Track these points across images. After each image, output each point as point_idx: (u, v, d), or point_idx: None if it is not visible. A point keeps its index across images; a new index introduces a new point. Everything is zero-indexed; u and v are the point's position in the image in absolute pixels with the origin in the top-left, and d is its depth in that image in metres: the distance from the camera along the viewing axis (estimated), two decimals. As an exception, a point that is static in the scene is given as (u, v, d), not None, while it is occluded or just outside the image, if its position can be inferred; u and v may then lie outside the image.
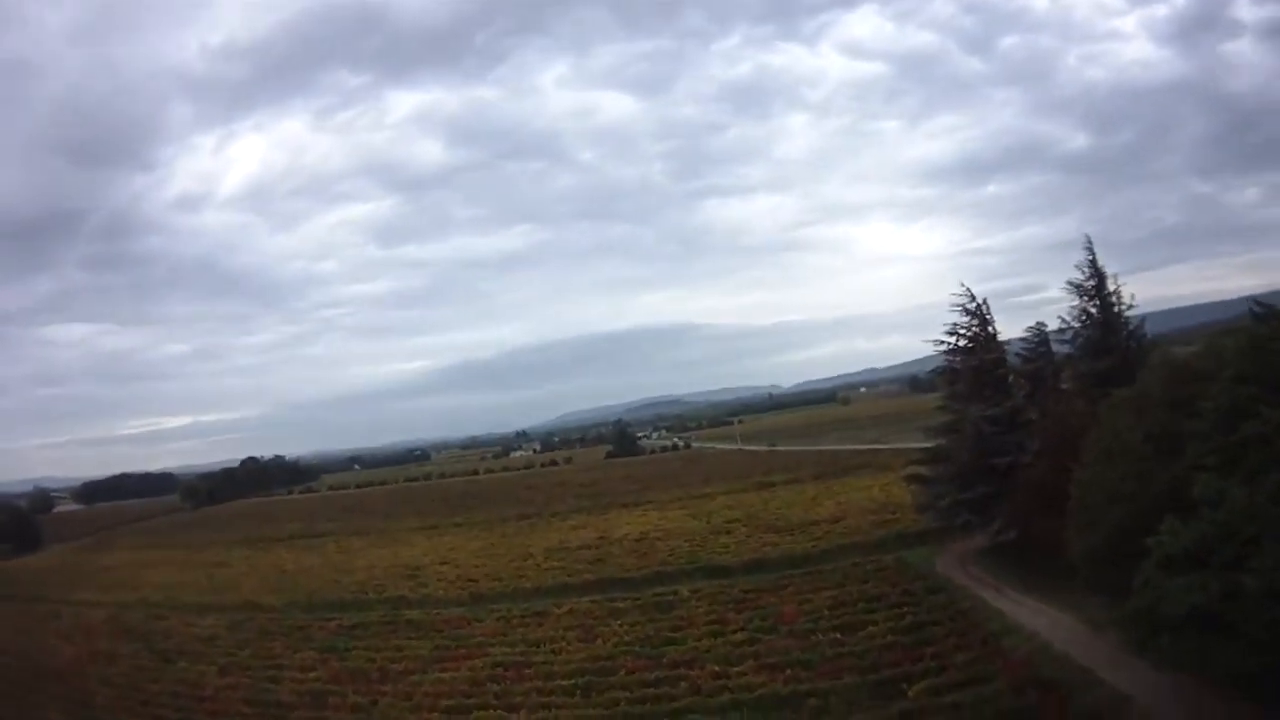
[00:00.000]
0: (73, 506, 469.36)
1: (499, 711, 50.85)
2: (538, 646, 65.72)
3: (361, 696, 58.66)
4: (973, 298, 75.77)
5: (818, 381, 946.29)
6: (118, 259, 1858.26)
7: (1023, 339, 79.89)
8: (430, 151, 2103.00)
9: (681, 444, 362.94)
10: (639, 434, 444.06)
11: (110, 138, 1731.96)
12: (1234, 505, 31.48)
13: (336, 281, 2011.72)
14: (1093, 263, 74.02)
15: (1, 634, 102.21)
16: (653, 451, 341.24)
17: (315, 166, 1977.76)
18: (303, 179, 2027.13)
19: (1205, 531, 32.13)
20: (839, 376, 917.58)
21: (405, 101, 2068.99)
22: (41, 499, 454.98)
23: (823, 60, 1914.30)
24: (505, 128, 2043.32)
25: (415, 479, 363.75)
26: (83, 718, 63.85)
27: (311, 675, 66.51)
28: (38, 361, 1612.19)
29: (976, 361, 75.23)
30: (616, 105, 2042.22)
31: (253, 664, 73.15)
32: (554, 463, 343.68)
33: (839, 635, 55.26)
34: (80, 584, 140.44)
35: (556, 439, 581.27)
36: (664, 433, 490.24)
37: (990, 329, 76.38)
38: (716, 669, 52.40)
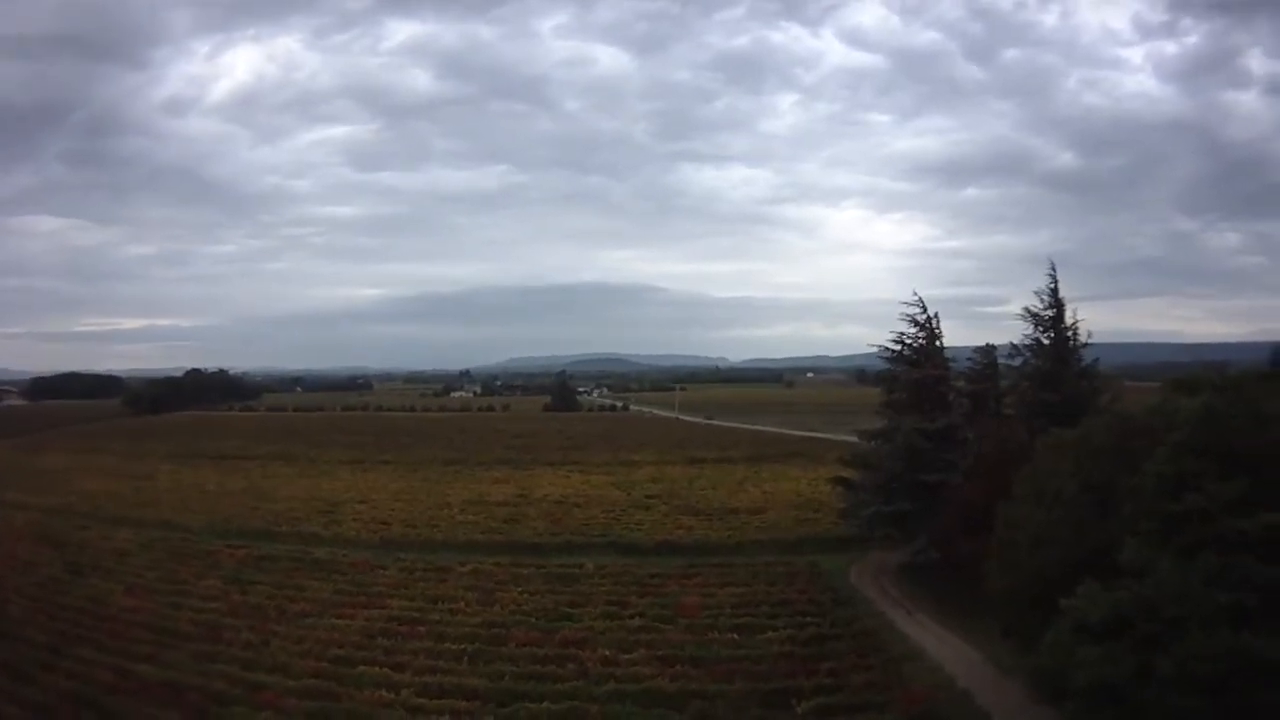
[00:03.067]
0: (20, 401, 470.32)
1: (385, 669, 50.17)
2: (435, 604, 65.54)
3: (254, 635, 57.99)
4: (924, 309, 74.68)
5: (767, 360, 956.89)
6: (99, 156, 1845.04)
7: (970, 357, 78.88)
8: (419, 81, 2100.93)
9: (620, 405, 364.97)
10: (580, 389, 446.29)
11: (107, 32, 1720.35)
12: (1162, 580, 30.08)
13: (309, 201, 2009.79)
14: (1054, 291, 73.15)
15: None
16: (591, 409, 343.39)
17: (304, 84, 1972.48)
18: (290, 95, 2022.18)
19: (1125, 602, 30.73)
20: (790, 359, 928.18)
21: (402, 29, 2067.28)
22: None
23: (822, 44, 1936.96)
24: (496, 67, 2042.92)
25: (353, 408, 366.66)
26: None
27: (212, 605, 66.29)
28: (4, 251, 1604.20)
29: (919, 375, 73.99)
30: (611, 60, 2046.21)
31: (159, 587, 72.91)
32: (491, 409, 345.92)
33: (736, 636, 54.59)
34: (13, 484, 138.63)
35: (499, 382, 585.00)
36: (605, 391, 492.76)
37: (937, 343, 75.25)
38: (607, 654, 51.85)
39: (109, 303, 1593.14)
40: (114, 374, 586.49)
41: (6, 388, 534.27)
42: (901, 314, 75.33)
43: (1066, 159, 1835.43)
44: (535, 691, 45.98)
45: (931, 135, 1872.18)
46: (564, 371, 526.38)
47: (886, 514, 71.08)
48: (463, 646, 53.96)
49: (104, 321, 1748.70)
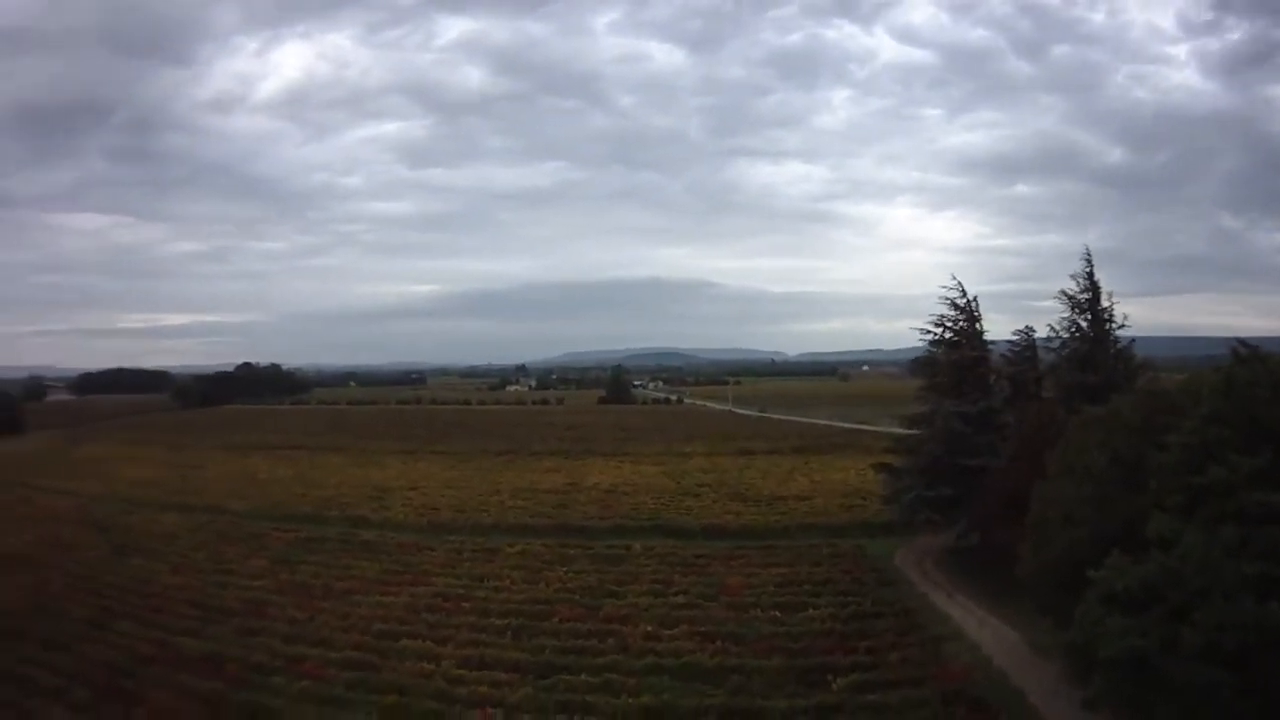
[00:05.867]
0: (66, 396, 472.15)
1: (428, 642, 50.84)
2: (481, 582, 66.31)
3: (300, 611, 59.26)
4: (963, 292, 74.67)
5: (823, 354, 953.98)
6: (142, 153, 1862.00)
7: (1011, 339, 78.83)
8: (471, 78, 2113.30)
9: (675, 399, 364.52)
10: (636, 383, 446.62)
11: (150, 29, 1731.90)
12: (1187, 551, 29.91)
13: (359, 197, 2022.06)
14: (1089, 275, 72.90)
15: None
16: (645, 402, 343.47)
17: (356, 80, 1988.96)
18: (341, 92, 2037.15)
19: (1153, 573, 30.59)
20: (845, 352, 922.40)
21: (454, 26, 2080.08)
22: (34, 387, 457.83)
23: (874, 40, 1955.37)
24: (549, 63, 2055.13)
25: (406, 402, 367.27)
26: (36, 603, 63.69)
27: (258, 583, 68.03)
28: (47, 248, 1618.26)
29: (958, 357, 74.17)
30: (665, 56, 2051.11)
31: (205, 566, 74.73)
32: (545, 402, 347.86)
33: (778, 614, 54.96)
34: (57, 472, 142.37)
35: (554, 377, 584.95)
36: (660, 385, 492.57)
37: (977, 325, 75.27)
38: (649, 630, 52.44)
39: (154, 299, 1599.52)
40: (161, 369, 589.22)
41: (52, 384, 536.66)
42: (941, 297, 75.58)
43: (1114, 155, 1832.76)
44: (575, 665, 46.48)
45: (981, 130, 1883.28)
46: (619, 365, 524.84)
47: (928, 498, 71.19)
48: (506, 622, 54.69)
49: (149, 318, 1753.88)
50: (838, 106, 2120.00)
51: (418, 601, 60.78)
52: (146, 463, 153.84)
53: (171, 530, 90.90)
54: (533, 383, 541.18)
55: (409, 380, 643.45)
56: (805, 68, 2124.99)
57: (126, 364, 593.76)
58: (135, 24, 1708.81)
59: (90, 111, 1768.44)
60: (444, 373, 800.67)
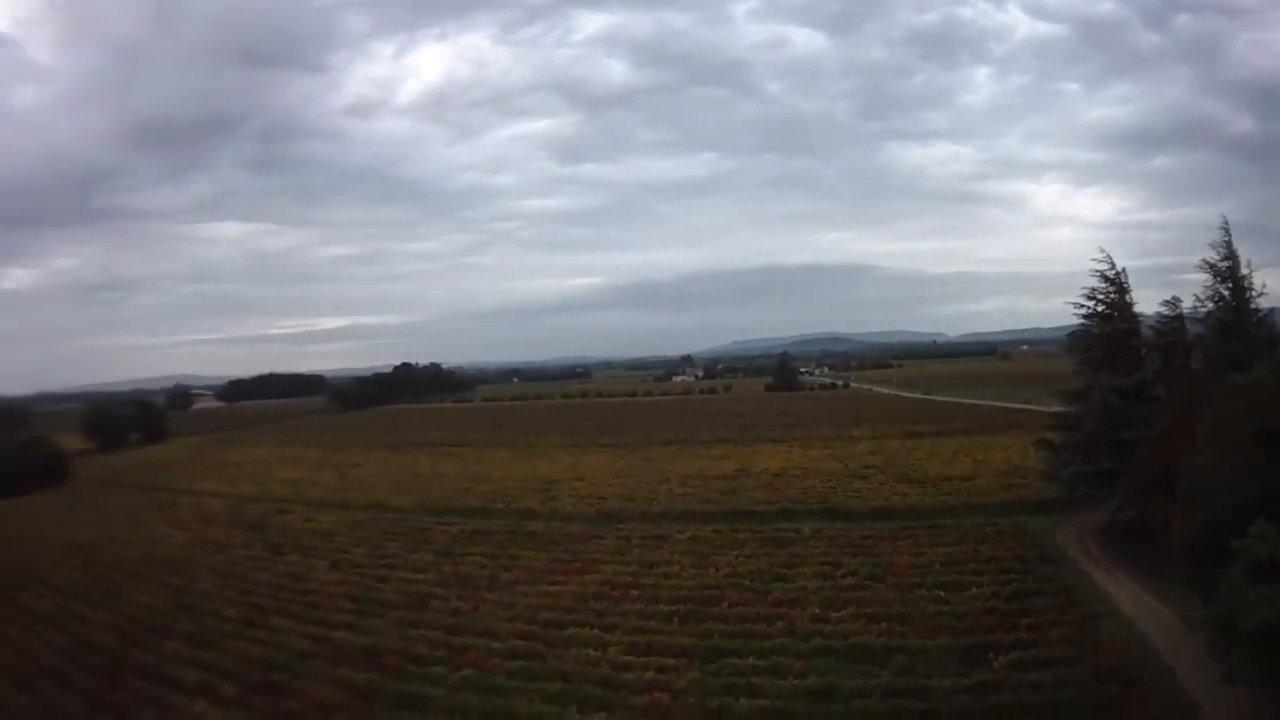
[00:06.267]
0: (214, 403, 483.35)
1: (595, 630, 51.70)
2: (650, 568, 67.32)
3: (464, 602, 60.65)
4: (1111, 264, 74.62)
5: (983, 334, 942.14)
6: (280, 161, 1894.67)
7: (1158, 314, 78.64)
8: (615, 72, 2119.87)
9: (840, 383, 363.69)
10: (802, 369, 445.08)
11: (277, 40, 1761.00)
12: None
13: (512, 195, 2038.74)
14: (1228, 244, 72.36)
15: (114, 520, 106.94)
16: (811, 388, 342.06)
17: (497, 80, 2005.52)
18: (483, 91, 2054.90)
19: (1296, 540, 30.97)
20: (1004, 332, 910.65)
21: (591, 21, 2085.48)
22: (180, 394, 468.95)
23: (1008, 16, 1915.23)
24: (692, 53, 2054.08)
25: (572, 396, 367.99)
26: (179, 602, 66.17)
27: (421, 577, 69.74)
28: (189, 259, 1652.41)
29: (1110, 329, 74.13)
30: (806, 40, 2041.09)
31: (365, 562, 77.06)
32: (713, 391, 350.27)
33: (943, 593, 55.19)
34: (204, 475, 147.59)
35: (720, 366, 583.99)
36: (825, 370, 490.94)
37: (1126, 298, 75.19)
38: (817, 612, 52.65)
39: (306, 304, 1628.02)
40: (317, 373, 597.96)
41: (199, 391, 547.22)
42: (1090, 271, 75.72)
43: (1244, 124, 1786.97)
44: (743, 648, 47.01)
45: (1118, 104, 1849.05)
46: (785, 352, 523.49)
47: (1086, 473, 71.42)
48: (675, 608, 55.49)
49: (301, 322, 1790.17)
50: (980, 85, 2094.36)
51: (585, 590, 61.57)
52: (302, 464, 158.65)
53: (330, 528, 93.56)
54: (699, 373, 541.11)
55: (574, 374, 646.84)
56: (944, 46, 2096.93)
57: (279, 369, 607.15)
58: (263, 35, 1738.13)
59: (223, 123, 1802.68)
60: (610, 365, 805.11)
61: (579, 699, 41.92)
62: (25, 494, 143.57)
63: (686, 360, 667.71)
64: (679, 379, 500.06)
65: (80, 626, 62.24)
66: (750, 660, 45.14)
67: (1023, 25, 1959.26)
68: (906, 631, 48.36)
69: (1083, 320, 77.11)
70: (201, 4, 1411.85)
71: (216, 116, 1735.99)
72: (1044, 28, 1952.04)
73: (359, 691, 45.14)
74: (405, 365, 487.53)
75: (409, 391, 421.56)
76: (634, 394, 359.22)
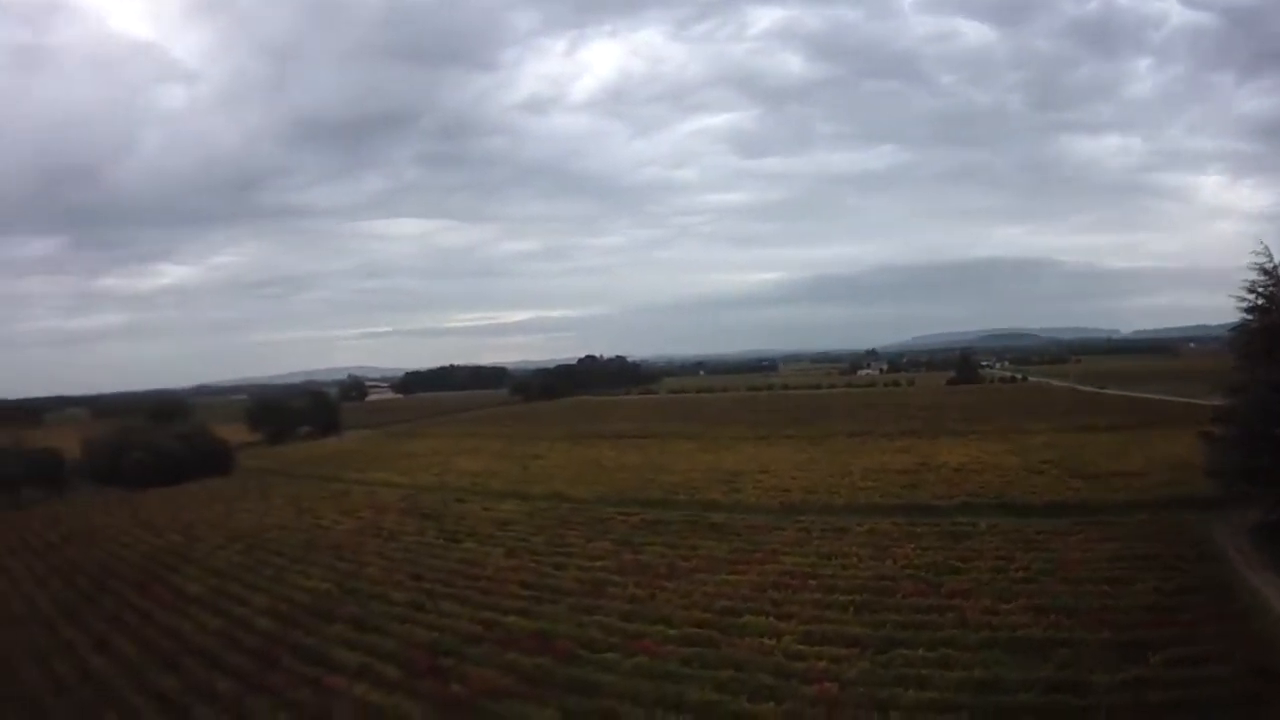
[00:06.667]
0: (389, 395, 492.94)
1: (770, 619, 53.14)
2: (829, 559, 68.34)
3: (641, 589, 62.29)
4: (1269, 256, 75.03)
5: (1151, 331, 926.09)
6: (457, 157, 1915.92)
7: None
8: (791, 65, 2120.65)
9: (1019, 377, 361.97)
10: (983, 363, 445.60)
11: (448, 39, 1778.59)
12: None
13: (695, 189, 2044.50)
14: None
15: (280, 508, 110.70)
16: (991, 382, 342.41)
17: (674, 75, 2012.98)
18: (661, 87, 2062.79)
19: None
20: (1173, 328, 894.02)
21: (765, 15, 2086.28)
22: (354, 387, 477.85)
23: (1164, 4, 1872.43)
24: (864, 46, 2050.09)
25: (757, 388, 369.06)
26: (345, 586, 68.98)
27: (598, 565, 71.49)
28: (363, 255, 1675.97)
29: (1268, 322, 73.98)
30: (975, 32, 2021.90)
31: (542, 550, 78.96)
32: (896, 384, 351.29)
33: (1108, 588, 55.33)
34: (378, 466, 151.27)
35: (904, 360, 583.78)
36: (1005, 364, 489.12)
37: (1284, 288, 74.95)
38: (988, 604, 53.49)
39: (486, 298, 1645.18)
40: (499, 365, 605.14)
41: (374, 384, 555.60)
42: (1250, 264, 76.38)
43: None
44: (913, 639, 47.88)
45: (1267, 95, 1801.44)
46: (967, 346, 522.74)
47: (1245, 470, 71.38)
48: (850, 598, 56.29)
49: (484, 316, 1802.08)
50: (1143, 75, 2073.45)
51: (764, 579, 62.48)
52: (481, 454, 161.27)
53: (508, 517, 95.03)
54: (884, 366, 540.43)
55: (760, 367, 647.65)
56: (1105, 36, 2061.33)
57: (458, 361, 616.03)
58: (427, 33, 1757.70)
59: (396, 121, 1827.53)
60: (795, 359, 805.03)
61: (750, 687, 42.92)
62: (192, 483, 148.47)
63: (871, 354, 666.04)
64: (863, 373, 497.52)
65: (237, 609, 64.84)
66: (920, 651, 46.02)
67: (1175, 13, 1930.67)
68: (1072, 625, 48.79)
69: (1244, 314, 77.38)
70: (359, 3, 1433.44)
71: (387, 114, 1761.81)
72: (1194, 16, 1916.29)
73: (527, 676, 46.75)
74: (590, 358, 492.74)
75: (592, 383, 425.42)
76: (819, 386, 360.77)
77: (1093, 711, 38.95)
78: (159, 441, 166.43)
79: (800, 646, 48.41)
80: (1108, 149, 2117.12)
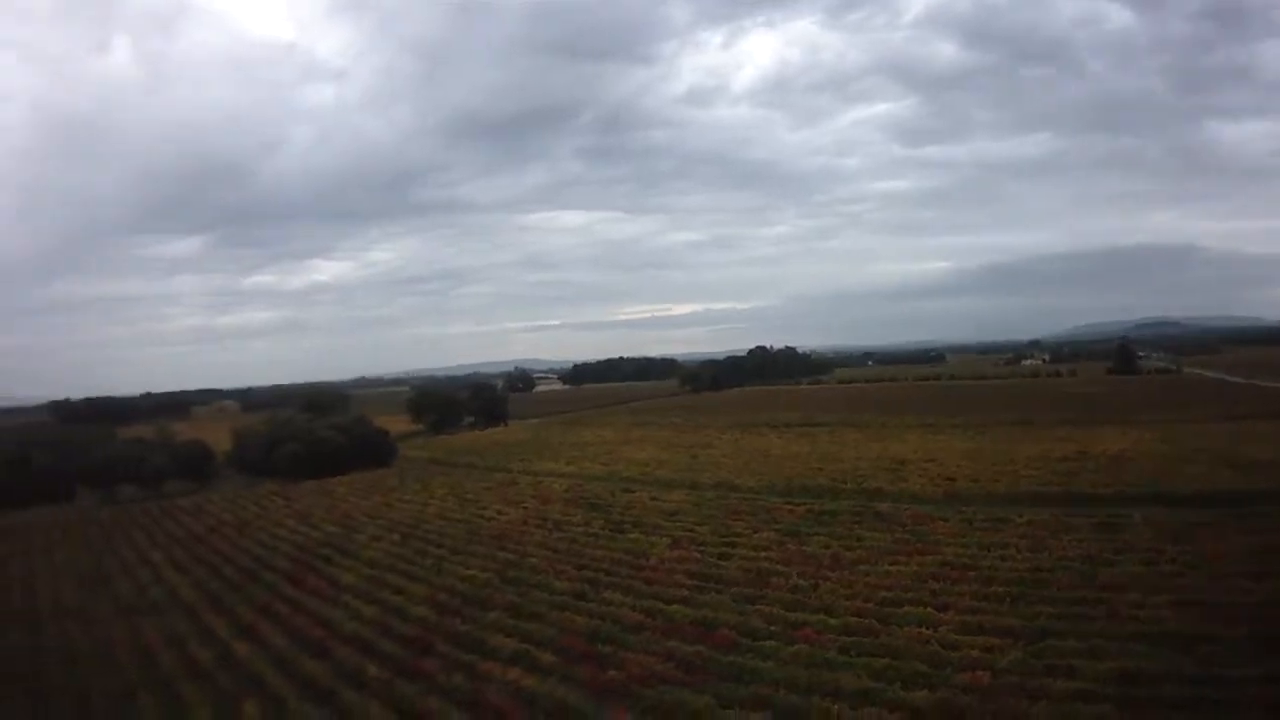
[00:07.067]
0: (558, 386, 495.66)
1: (928, 609, 54.41)
2: (988, 551, 69.75)
3: (805, 580, 63.64)
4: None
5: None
6: (618, 150, 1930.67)
7: None
8: (945, 52, 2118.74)
9: (1174, 368, 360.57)
10: (1140, 353, 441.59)
11: (604, 34, 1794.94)
12: None
13: (859, 178, 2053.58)
14: None
15: (441, 497, 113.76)
16: (1148, 372, 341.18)
17: (832, 64, 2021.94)
18: (820, 76, 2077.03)
19: None
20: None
21: (916, 1, 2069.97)
22: (521, 378, 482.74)
23: None
24: (1015, 32, 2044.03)
25: (925, 378, 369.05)
26: (505, 575, 71.58)
27: (763, 555, 73.04)
28: (527, 247, 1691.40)
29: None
30: (1118, 16, 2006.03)
31: (708, 540, 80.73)
32: (1058, 374, 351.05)
33: (1249, 583, 56.00)
34: (545, 456, 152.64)
35: (1065, 350, 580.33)
36: (1160, 354, 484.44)
37: None
38: (1136, 598, 54.25)
39: (654, 290, 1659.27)
40: (668, 357, 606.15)
41: (542, 375, 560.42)
42: None
43: None
44: (1065, 630, 49.44)
45: None
46: (1125, 337, 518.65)
47: None
48: (1007, 589, 57.83)
49: (650, 308, 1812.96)
50: (1275, 56, 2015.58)
51: (924, 570, 63.94)
52: (650, 444, 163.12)
53: (675, 507, 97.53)
54: (1046, 356, 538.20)
55: (927, 358, 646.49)
56: (1236, 18, 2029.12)
57: (627, 353, 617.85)
58: (588, 29, 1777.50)
59: (555, 115, 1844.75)
60: (961, 349, 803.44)
61: (904, 675, 44.25)
62: (349, 474, 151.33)
63: (1033, 344, 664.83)
64: (1027, 363, 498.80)
65: (393, 598, 67.37)
66: (1071, 642, 47.20)
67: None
68: (1215, 619, 49.32)
69: None
70: (507, 2, 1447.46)
71: (546, 109, 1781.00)
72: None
73: (685, 663, 48.51)
74: (760, 349, 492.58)
75: (762, 374, 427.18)
76: (984, 377, 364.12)
77: (1230, 705, 39.44)
78: (315, 432, 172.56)
79: (956, 636, 49.71)
80: (1250, 133, 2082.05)
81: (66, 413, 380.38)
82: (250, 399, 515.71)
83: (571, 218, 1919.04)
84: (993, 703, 40.43)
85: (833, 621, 53.29)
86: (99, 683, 53.54)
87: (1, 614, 72.58)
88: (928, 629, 51.01)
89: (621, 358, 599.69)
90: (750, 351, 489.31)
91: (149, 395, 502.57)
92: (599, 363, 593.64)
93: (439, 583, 71.03)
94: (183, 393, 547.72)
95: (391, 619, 61.64)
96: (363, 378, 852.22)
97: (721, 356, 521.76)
